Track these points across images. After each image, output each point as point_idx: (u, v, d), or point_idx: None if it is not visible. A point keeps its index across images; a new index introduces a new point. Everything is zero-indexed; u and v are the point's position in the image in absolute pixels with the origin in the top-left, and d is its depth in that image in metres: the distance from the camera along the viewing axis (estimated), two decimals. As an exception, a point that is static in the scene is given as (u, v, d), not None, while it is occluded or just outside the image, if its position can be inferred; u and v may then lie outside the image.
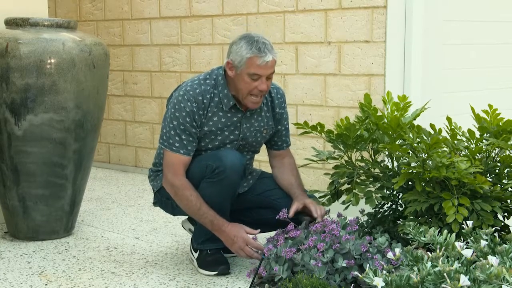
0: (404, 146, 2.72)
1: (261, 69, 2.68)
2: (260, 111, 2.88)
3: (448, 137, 2.75)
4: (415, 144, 2.63)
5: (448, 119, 2.79)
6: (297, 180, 2.95)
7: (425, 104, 2.86)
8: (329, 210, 2.83)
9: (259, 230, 2.73)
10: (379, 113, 2.80)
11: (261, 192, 2.97)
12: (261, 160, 3.16)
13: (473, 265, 1.94)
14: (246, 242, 2.68)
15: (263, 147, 3.04)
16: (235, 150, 2.82)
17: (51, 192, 3.31)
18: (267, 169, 3.11)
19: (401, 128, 2.70)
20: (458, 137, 2.78)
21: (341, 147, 2.82)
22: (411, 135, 2.69)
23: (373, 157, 2.89)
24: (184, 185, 2.74)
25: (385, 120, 2.75)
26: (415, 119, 2.79)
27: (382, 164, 2.87)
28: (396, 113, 2.78)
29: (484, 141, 2.73)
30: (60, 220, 3.39)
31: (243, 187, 2.97)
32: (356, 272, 2.22)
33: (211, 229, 2.74)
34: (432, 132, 2.82)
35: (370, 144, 2.85)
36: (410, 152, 2.71)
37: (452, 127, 2.81)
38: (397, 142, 2.74)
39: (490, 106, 2.79)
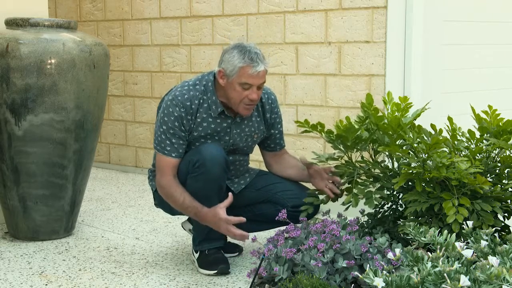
0: (404, 147, 2.72)
1: (253, 79, 2.70)
2: (251, 116, 2.89)
3: (449, 137, 2.75)
4: (415, 145, 2.63)
5: (449, 119, 2.79)
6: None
7: (426, 105, 2.86)
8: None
9: (231, 195, 2.72)
10: (379, 113, 2.80)
11: (261, 187, 2.98)
12: (262, 161, 3.16)
13: (474, 266, 1.94)
14: (226, 220, 2.66)
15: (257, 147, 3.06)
16: (219, 145, 2.82)
17: (51, 193, 3.31)
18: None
19: (401, 128, 2.70)
20: (458, 137, 2.78)
21: (341, 148, 2.83)
22: (411, 135, 2.69)
23: (373, 157, 2.89)
24: (169, 183, 2.77)
25: (386, 120, 2.75)
26: (415, 120, 2.79)
27: (382, 164, 2.87)
28: (396, 113, 2.78)
29: (484, 141, 2.73)
30: (60, 220, 3.39)
31: (240, 185, 2.98)
32: (356, 273, 2.22)
33: (200, 222, 2.76)
34: (432, 132, 2.82)
35: (371, 144, 2.85)
36: (410, 152, 2.72)
37: (453, 127, 2.81)
38: (397, 142, 2.74)
39: (490, 106, 2.79)
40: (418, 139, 2.66)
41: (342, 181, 2.88)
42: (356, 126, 2.75)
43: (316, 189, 2.91)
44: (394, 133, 2.70)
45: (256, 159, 3.51)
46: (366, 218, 2.94)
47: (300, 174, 3.00)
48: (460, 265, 1.95)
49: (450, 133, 2.78)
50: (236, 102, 2.75)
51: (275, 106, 2.97)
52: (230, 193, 2.73)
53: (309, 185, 3.00)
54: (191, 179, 2.75)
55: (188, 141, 2.81)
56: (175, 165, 2.79)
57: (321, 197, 2.90)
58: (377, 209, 2.90)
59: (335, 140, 2.78)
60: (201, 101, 2.80)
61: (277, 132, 3.01)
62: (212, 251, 2.87)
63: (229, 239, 3.04)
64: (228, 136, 2.85)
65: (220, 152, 2.75)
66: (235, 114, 2.84)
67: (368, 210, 2.93)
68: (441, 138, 2.64)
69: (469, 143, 2.77)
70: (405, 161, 2.75)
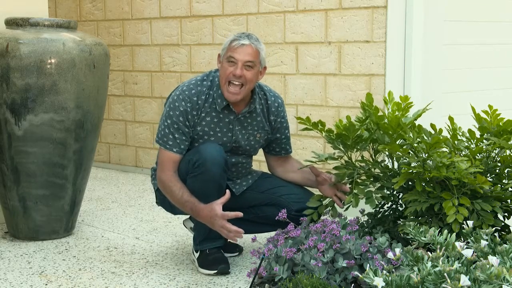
0: (405, 146, 2.72)
1: (237, 52, 2.72)
2: (256, 115, 2.89)
3: (449, 137, 2.75)
4: (415, 144, 2.63)
5: (450, 118, 2.80)
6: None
7: (427, 105, 2.86)
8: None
9: (228, 192, 2.70)
10: (380, 113, 2.80)
11: (265, 189, 2.98)
12: (262, 160, 3.16)
13: (474, 265, 1.94)
14: (223, 216, 2.63)
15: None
16: (218, 145, 2.81)
17: (51, 192, 3.31)
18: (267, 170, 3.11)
19: (401, 128, 2.70)
20: (459, 137, 2.78)
21: (341, 147, 2.82)
22: (411, 135, 2.69)
23: (373, 157, 2.89)
24: (169, 178, 2.78)
25: (386, 120, 2.75)
26: (416, 120, 2.79)
27: (382, 164, 2.87)
28: (397, 113, 2.78)
29: (484, 141, 2.73)
30: (60, 220, 3.39)
31: (242, 186, 2.98)
32: (356, 272, 2.22)
33: (195, 217, 2.77)
34: (432, 132, 2.82)
35: (371, 144, 2.85)
36: (411, 152, 2.71)
37: (454, 126, 2.81)
38: (397, 142, 2.74)
39: (490, 106, 2.79)
40: (418, 139, 2.66)
41: (343, 181, 2.88)
42: (356, 126, 2.75)
43: (322, 195, 2.90)
44: (394, 133, 2.70)
45: (256, 159, 3.50)
46: (366, 218, 2.94)
47: (304, 178, 2.99)
48: (460, 265, 1.95)
49: (450, 133, 2.78)
50: (223, 81, 2.75)
51: (281, 110, 2.97)
52: (227, 190, 2.73)
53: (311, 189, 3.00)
54: (191, 179, 2.75)
55: (192, 137, 2.82)
56: (176, 161, 2.80)
57: (325, 203, 2.89)
58: (377, 209, 2.90)
59: (335, 139, 2.78)
60: (207, 96, 2.81)
61: (283, 137, 3.01)
62: (212, 251, 2.87)
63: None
64: (231, 133, 2.85)
65: (220, 152, 2.75)
66: (239, 110, 2.84)
67: (368, 210, 2.93)
68: (441, 137, 2.64)
69: (469, 143, 2.77)
70: (405, 160, 2.75)
